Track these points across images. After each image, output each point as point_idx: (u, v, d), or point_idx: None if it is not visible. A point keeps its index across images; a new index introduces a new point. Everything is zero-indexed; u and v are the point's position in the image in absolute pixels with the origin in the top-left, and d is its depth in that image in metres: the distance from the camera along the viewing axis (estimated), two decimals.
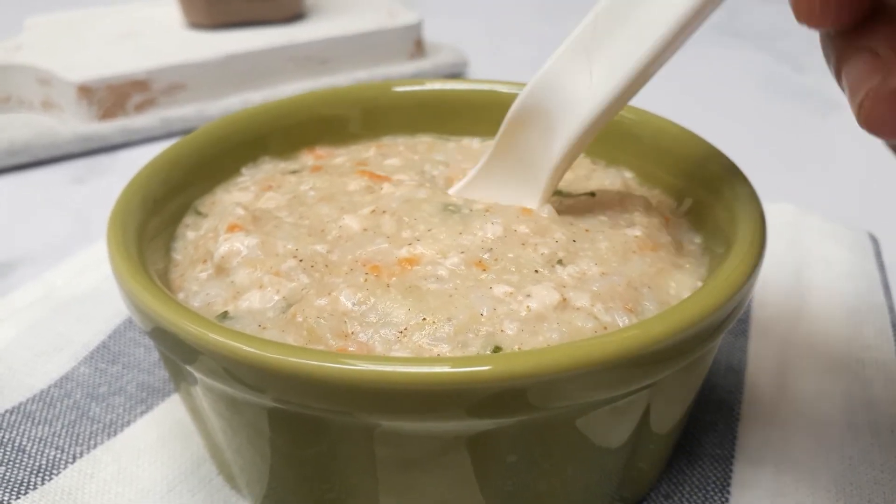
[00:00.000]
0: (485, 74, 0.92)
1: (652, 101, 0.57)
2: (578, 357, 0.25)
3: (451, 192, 0.38)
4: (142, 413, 0.41)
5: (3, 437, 0.38)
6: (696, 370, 0.32)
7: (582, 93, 0.34)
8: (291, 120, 0.44)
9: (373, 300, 0.30)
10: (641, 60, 0.32)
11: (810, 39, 1.10)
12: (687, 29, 0.31)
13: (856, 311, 0.47)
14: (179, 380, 0.34)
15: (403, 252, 0.33)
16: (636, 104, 0.43)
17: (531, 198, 0.37)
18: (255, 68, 0.80)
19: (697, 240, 0.37)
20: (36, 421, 0.40)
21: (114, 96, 0.75)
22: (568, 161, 0.36)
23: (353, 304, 0.30)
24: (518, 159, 0.37)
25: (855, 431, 0.39)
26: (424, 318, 0.29)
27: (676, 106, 0.82)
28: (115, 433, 0.39)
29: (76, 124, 0.74)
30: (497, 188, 0.38)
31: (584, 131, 0.35)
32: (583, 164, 0.43)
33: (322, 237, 0.34)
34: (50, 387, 0.42)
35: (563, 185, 0.41)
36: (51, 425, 0.40)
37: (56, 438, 0.39)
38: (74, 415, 0.40)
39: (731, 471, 0.37)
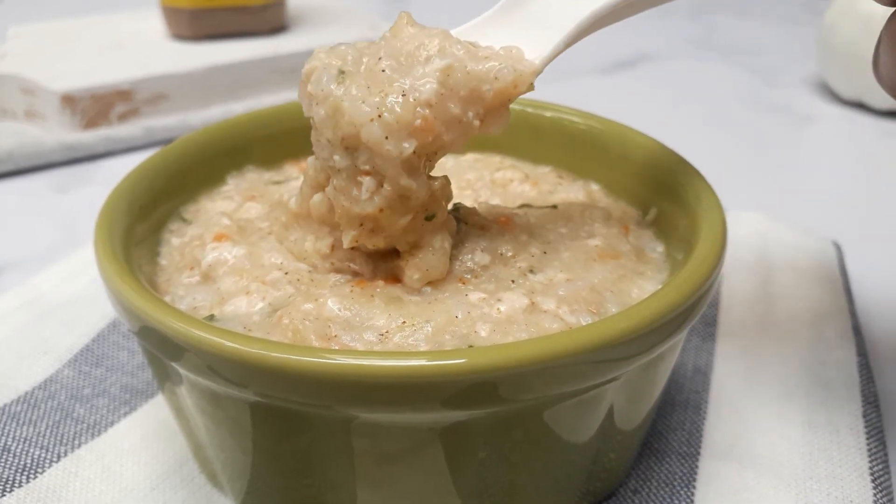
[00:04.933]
0: None
1: (629, 112, 0.59)
2: (546, 351, 0.26)
3: (455, 31, 0.36)
4: (125, 414, 0.42)
5: None
6: (658, 368, 0.33)
7: None
8: (275, 129, 0.45)
9: (357, 307, 0.31)
10: None
11: (784, 56, 1.13)
12: None
13: (819, 316, 0.49)
14: (164, 379, 0.35)
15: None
16: (610, 115, 0.45)
17: (534, 50, 0.35)
18: (238, 79, 0.81)
19: (660, 248, 0.39)
20: (21, 422, 0.40)
21: (97, 106, 0.76)
22: (587, 27, 0.35)
23: (339, 310, 0.31)
24: (530, 11, 0.36)
25: (815, 429, 0.40)
26: (404, 322, 0.31)
27: (653, 118, 0.84)
28: (99, 433, 0.40)
29: (60, 133, 0.75)
30: (503, 33, 0.36)
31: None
32: (548, 178, 0.45)
33: (303, 259, 0.36)
34: (34, 389, 0.43)
35: (528, 199, 0.43)
36: (35, 426, 0.40)
37: (41, 438, 0.40)
38: (59, 416, 0.41)
39: (696, 467, 0.39)
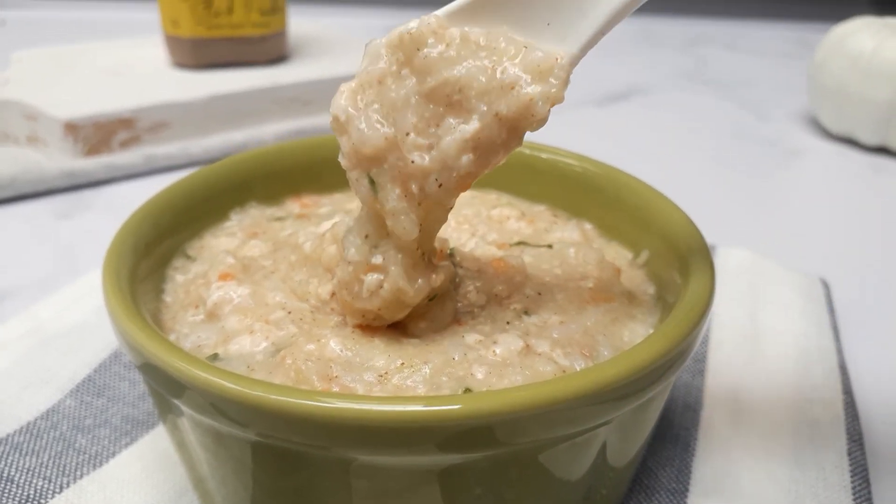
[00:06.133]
0: None
1: (621, 145, 0.60)
2: (539, 397, 0.27)
3: (440, 12, 0.32)
4: (126, 445, 0.42)
5: None
6: (649, 409, 0.34)
7: None
8: (276, 167, 0.47)
9: (357, 347, 0.32)
10: None
11: (774, 89, 1.15)
12: None
13: (806, 353, 0.50)
14: (166, 412, 0.35)
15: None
16: (603, 148, 0.47)
17: (561, 40, 0.31)
18: (239, 109, 0.83)
19: (651, 290, 0.40)
20: (24, 452, 0.41)
21: (99, 133, 0.77)
22: (612, 21, 0.31)
23: (340, 350, 0.32)
24: None
25: (802, 467, 0.41)
26: (403, 363, 0.32)
27: (645, 151, 0.86)
28: (101, 464, 0.41)
29: (62, 160, 0.76)
30: (506, 17, 0.32)
31: None
32: (543, 216, 0.46)
33: (305, 299, 0.37)
34: (37, 419, 0.43)
35: (523, 236, 0.44)
36: (38, 456, 0.41)
37: (43, 469, 0.40)
38: (61, 446, 0.42)
39: (685, 503, 0.40)
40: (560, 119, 0.89)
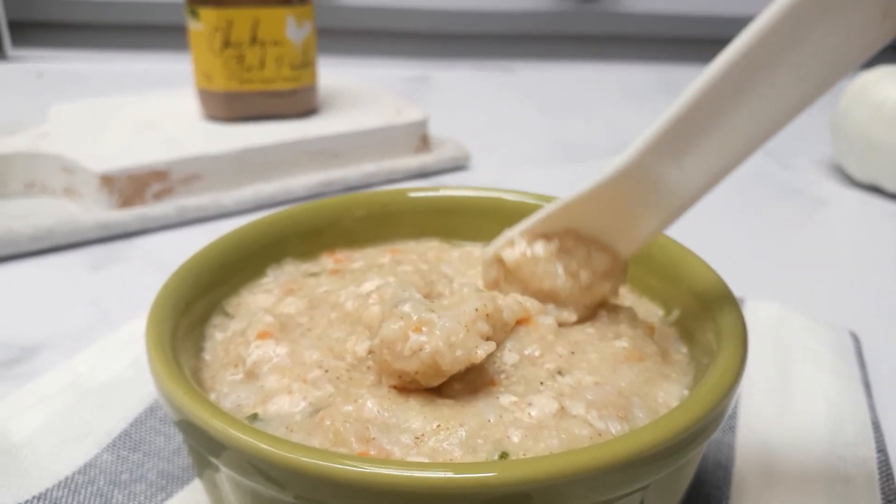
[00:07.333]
0: (486, 167, 0.97)
1: None
2: (577, 464, 0.28)
3: (524, 230, 0.41)
4: (162, 501, 0.43)
5: None
6: (684, 472, 0.34)
7: (672, 182, 0.36)
8: (311, 225, 0.48)
9: (394, 408, 0.33)
10: (739, 155, 0.36)
11: (798, 137, 1.15)
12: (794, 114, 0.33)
13: (837, 409, 0.50)
14: (204, 467, 0.36)
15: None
16: None
17: (620, 239, 0.40)
18: (270, 161, 0.84)
19: (684, 349, 0.40)
20: None
21: (134, 186, 0.79)
22: (653, 237, 0.40)
23: (377, 412, 0.33)
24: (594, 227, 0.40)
25: None
26: (439, 425, 0.32)
27: None
28: None
29: (97, 212, 0.77)
30: (572, 222, 0.40)
31: (676, 215, 0.38)
32: None
33: (342, 357, 0.38)
34: (74, 473, 0.44)
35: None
36: None
37: None
38: (98, 502, 0.42)
39: None
40: (583, 168, 0.90)
